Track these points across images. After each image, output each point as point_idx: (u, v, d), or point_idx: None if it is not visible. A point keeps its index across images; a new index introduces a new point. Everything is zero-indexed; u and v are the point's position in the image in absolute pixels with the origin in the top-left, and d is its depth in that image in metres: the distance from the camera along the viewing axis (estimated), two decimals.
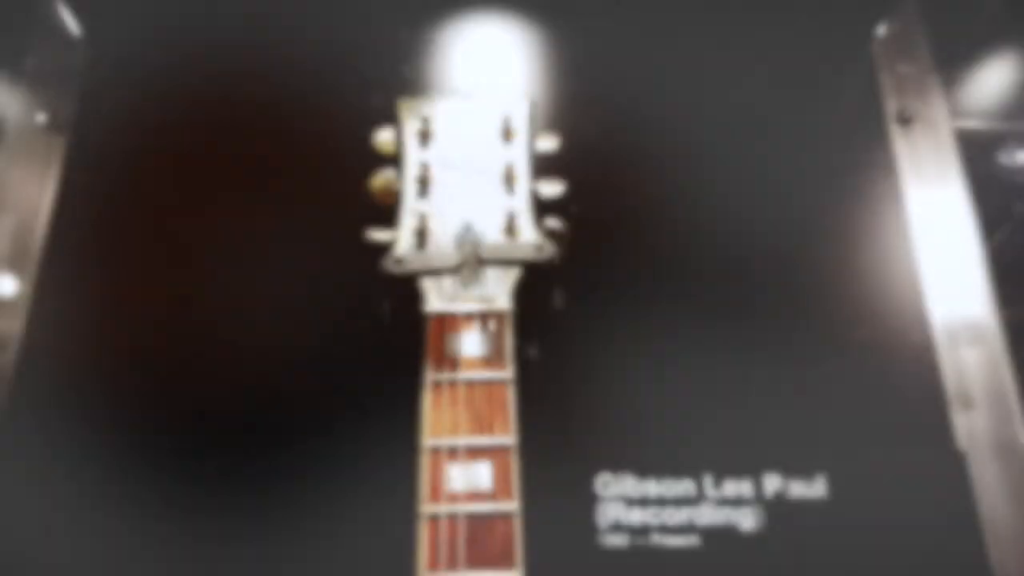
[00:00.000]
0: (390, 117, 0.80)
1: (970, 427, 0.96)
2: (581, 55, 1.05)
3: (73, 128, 1.05)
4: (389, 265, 0.70)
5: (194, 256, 0.95)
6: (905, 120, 1.14)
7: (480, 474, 0.61)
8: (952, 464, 0.84)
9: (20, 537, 0.81)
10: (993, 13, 1.19)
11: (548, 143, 0.80)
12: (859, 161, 1.01)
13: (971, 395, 0.99)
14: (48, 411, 0.88)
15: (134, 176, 1.01)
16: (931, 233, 1.02)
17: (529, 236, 0.71)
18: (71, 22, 1.15)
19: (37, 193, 1.07)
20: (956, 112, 1.14)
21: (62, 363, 0.92)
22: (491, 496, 0.60)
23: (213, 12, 1.08)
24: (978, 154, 1.12)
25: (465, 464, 0.61)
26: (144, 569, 0.80)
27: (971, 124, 1.16)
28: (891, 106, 1.09)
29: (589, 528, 0.80)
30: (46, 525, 0.82)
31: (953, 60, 1.16)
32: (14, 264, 1.04)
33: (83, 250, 0.98)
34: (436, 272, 0.69)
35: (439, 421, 0.63)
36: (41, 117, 1.13)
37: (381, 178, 0.78)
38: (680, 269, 0.92)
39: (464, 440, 0.62)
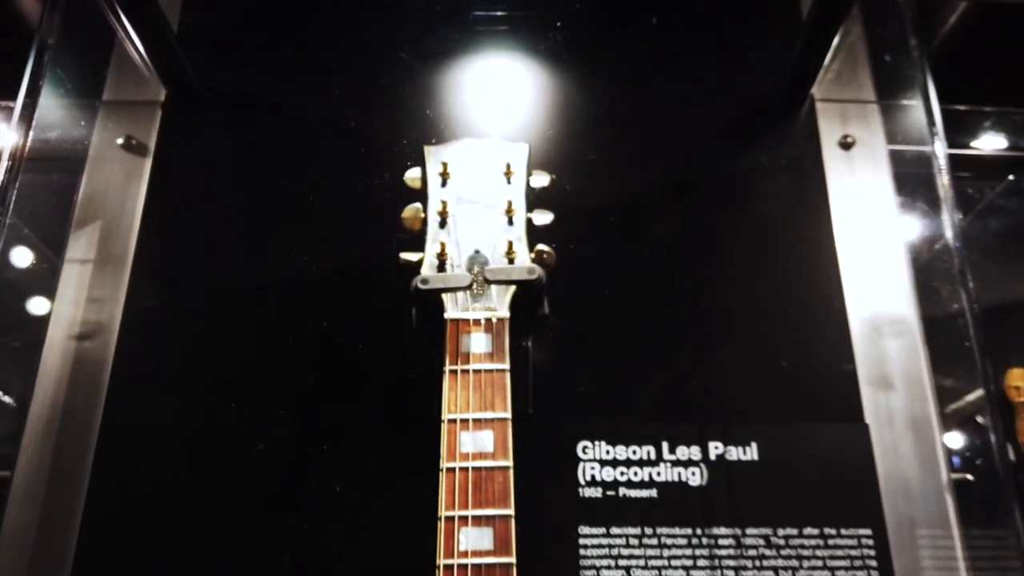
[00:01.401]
0: (417, 160, 1.01)
1: (888, 405, 1.18)
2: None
3: (156, 149, 1.27)
4: (417, 283, 0.92)
5: (264, 262, 1.18)
6: (847, 145, 1.34)
7: (484, 439, 0.83)
8: (859, 434, 1.06)
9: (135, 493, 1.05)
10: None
11: (541, 180, 1.01)
12: (796, 182, 1.22)
13: (891, 379, 1.21)
14: (143, 387, 1.12)
15: (209, 190, 1.24)
16: (860, 246, 1.23)
17: (524, 261, 0.93)
18: (145, 58, 1.36)
19: (122, 202, 1.30)
20: (891, 137, 1.34)
21: (153, 346, 1.15)
22: (492, 455, 0.83)
23: (280, 61, 1.30)
24: (909, 174, 1.32)
25: (473, 432, 0.83)
26: (239, 500, 1.03)
27: (902, 147, 1.36)
28: (828, 133, 1.29)
29: (573, 482, 1.02)
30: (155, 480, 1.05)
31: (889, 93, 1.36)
32: (105, 262, 1.27)
33: (169, 250, 1.21)
34: (453, 289, 0.91)
35: (454, 400, 0.85)
36: (120, 140, 1.36)
37: (410, 209, 1.00)
38: (642, 285, 1.15)
39: (473, 415, 0.84)
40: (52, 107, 1.31)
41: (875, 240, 1.24)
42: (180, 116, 1.29)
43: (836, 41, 1.27)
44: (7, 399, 1.30)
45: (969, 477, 1.68)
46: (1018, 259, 1.56)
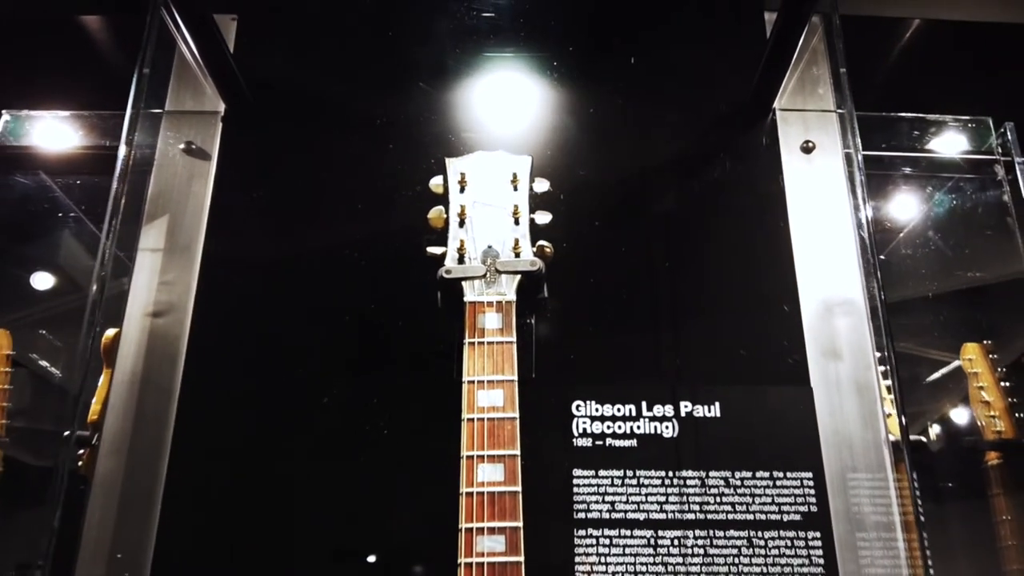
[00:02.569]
0: (439, 170, 1.23)
1: (836, 373, 1.40)
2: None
3: (220, 153, 1.49)
4: (442, 273, 1.14)
5: (316, 253, 1.40)
6: (808, 149, 1.55)
7: (496, 396, 1.06)
8: (804, 396, 1.29)
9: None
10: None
11: (542, 186, 1.23)
12: (758, 183, 1.44)
13: (840, 351, 1.42)
14: (217, 356, 1.35)
15: (266, 189, 1.47)
16: (813, 237, 1.44)
17: (527, 254, 1.15)
18: (208, 75, 1.57)
19: (185, 199, 1.52)
20: (849, 143, 1.55)
21: (224, 321, 1.38)
22: (502, 409, 1.05)
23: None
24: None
25: (488, 390, 1.06)
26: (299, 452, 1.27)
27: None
28: (787, 139, 1.50)
29: (568, 434, 1.25)
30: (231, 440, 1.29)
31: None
32: (173, 251, 1.49)
33: (233, 239, 1.43)
34: (470, 278, 1.14)
35: (472, 366, 1.08)
36: (181, 145, 1.57)
37: (434, 211, 1.22)
38: (625, 273, 1.37)
39: (487, 377, 1.07)
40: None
41: (827, 232, 1.45)
42: (237, 125, 1.51)
43: (795, 58, 1.48)
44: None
45: (923, 439, 1.92)
46: (972, 248, 1.76)
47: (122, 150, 1.36)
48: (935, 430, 2.09)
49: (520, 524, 0.99)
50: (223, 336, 1.37)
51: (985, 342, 1.92)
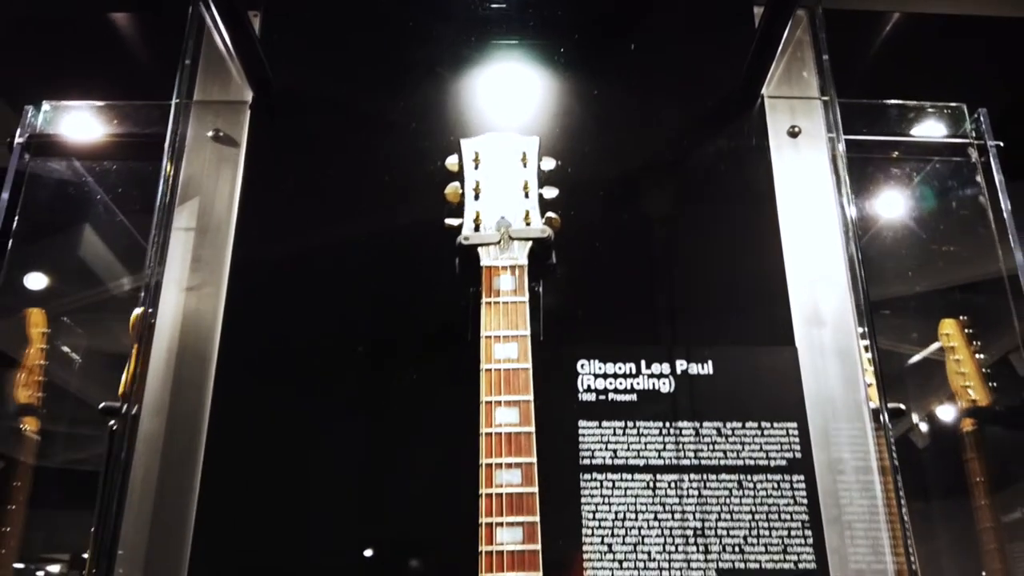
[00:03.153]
0: (455, 149, 1.35)
1: (820, 339, 1.51)
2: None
3: (248, 139, 1.61)
4: (460, 240, 1.26)
5: (344, 225, 1.52)
6: (794, 134, 1.67)
7: (511, 349, 1.18)
8: (789, 355, 1.40)
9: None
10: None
11: (549, 164, 1.35)
12: (748, 164, 1.56)
13: (823, 318, 1.54)
14: (252, 324, 1.46)
15: (294, 171, 1.58)
16: (798, 215, 1.56)
17: (537, 224, 1.27)
18: (238, 65, 1.68)
19: (215, 183, 1.63)
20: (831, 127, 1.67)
21: (257, 293, 1.49)
22: (516, 360, 1.17)
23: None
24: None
25: (503, 344, 1.18)
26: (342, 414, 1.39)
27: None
28: (777, 124, 1.62)
29: (573, 389, 1.37)
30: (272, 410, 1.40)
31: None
32: (205, 230, 1.60)
33: (264, 219, 1.55)
34: (486, 244, 1.25)
35: (489, 323, 1.20)
36: (210, 133, 1.69)
37: (451, 187, 1.34)
38: (626, 243, 1.49)
39: (503, 332, 1.19)
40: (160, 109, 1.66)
41: (811, 210, 1.56)
42: (265, 113, 1.63)
43: (780, 48, 1.60)
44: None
45: (902, 407, 2.04)
46: (948, 226, 1.88)
47: (169, 137, 1.48)
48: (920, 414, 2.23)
49: (534, 460, 1.11)
50: (256, 306, 1.48)
51: (961, 317, 2.05)
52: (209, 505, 1.35)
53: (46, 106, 1.74)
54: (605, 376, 1.38)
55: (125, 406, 1.83)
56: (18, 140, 1.70)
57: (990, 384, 1.96)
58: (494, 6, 1.68)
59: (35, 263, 1.98)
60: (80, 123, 1.77)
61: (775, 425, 1.36)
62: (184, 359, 1.51)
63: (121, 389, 1.87)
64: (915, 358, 2.22)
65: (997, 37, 1.90)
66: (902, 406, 1.97)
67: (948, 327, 2.06)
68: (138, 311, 1.96)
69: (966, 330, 2.03)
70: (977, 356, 1.99)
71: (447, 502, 1.28)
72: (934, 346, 2.17)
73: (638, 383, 1.38)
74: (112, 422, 1.87)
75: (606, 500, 1.30)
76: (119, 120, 1.76)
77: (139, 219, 1.99)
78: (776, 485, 1.32)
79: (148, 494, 1.40)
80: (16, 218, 1.71)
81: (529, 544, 1.08)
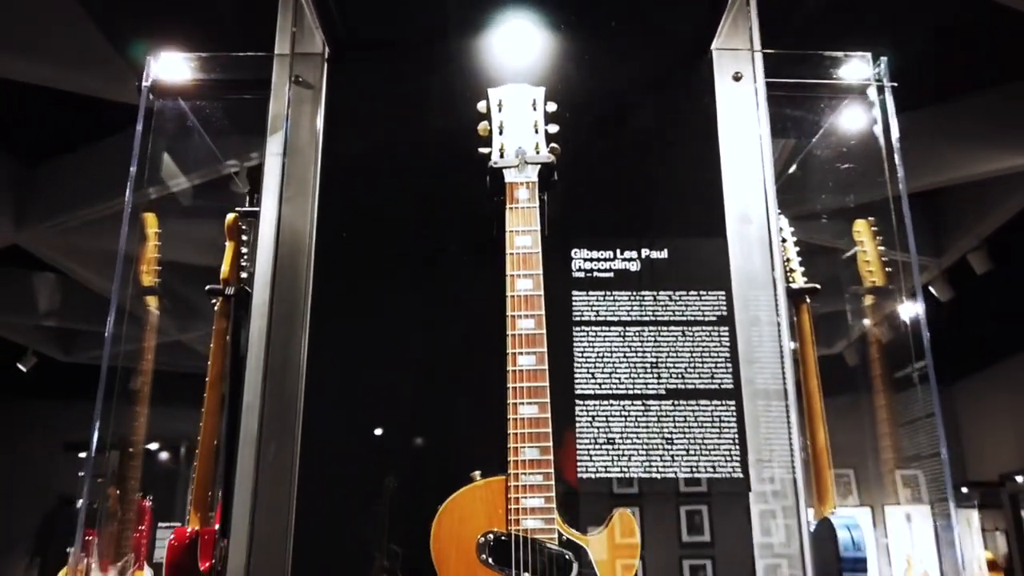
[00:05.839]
0: (484, 95, 1.88)
1: (747, 232, 2.07)
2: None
3: (327, 85, 2.13)
4: (491, 164, 1.81)
5: (399, 157, 2.06)
6: (737, 78, 2.19)
7: (527, 239, 1.74)
8: (723, 245, 1.97)
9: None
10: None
11: (551, 107, 1.89)
12: (696, 107, 2.10)
13: (750, 217, 2.10)
14: (342, 253, 2.02)
15: (365, 110, 2.11)
16: (736, 136, 2.10)
17: (544, 152, 1.82)
18: (317, 21, 2.18)
19: (298, 117, 2.15)
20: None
21: (342, 240, 2.04)
22: (530, 248, 1.73)
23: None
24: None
25: (521, 236, 1.74)
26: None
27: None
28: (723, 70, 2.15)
29: (568, 268, 1.95)
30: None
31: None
32: (295, 153, 2.13)
33: (345, 151, 2.08)
34: (508, 167, 1.80)
35: (512, 221, 1.76)
36: (293, 78, 2.20)
37: (482, 125, 1.88)
38: (606, 167, 2.04)
39: (520, 228, 1.75)
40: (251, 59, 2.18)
41: (745, 135, 2.10)
42: (338, 62, 2.15)
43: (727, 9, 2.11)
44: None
45: (817, 286, 2.62)
46: (852, 153, 2.42)
47: (286, 86, 2.00)
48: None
49: (543, 313, 1.69)
50: (338, 210, 2.03)
51: (870, 218, 2.62)
52: (315, 362, 1.92)
53: (162, 56, 2.25)
54: (591, 260, 1.96)
55: (224, 287, 2.43)
56: (145, 84, 2.22)
57: (886, 269, 2.55)
58: None
59: (150, 181, 2.51)
60: (185, 70, 2.28)
61: (710, 293, 1.94)
62: (283, 249, 2.07)
63: (222, 276, 2.48)
64: (847, 254, 2.81)
65: None
66: (817, 286, 2.58)
67: (860, 225, 2.64)
68: (231, 215, 2.55)
69: (873, 228, 2.61)
70: (879, 248, 2.57)
71: (483, 338, 1.85)
72: (855, 249, 2.76)
73: (614, 264, 1.95)
74: (215, 299, 2.48)
75: (591, 344, 1.89)
76: (217, 67, 2.27)
77: (226, 145, 2.54)
78: (709, 334, 1.91)
79: (259, 355, 1.97)
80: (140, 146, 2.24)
81: (539, 365, 1.67)
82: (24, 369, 9.09)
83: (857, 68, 2.28)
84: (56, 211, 5.91)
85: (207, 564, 2.31)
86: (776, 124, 2.18)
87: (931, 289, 7.00)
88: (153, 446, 3.37)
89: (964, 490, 9.42)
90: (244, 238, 2.57)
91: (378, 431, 1.92)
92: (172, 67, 2.25)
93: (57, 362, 9.56)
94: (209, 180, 2.62)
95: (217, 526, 2.41)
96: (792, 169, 2.63)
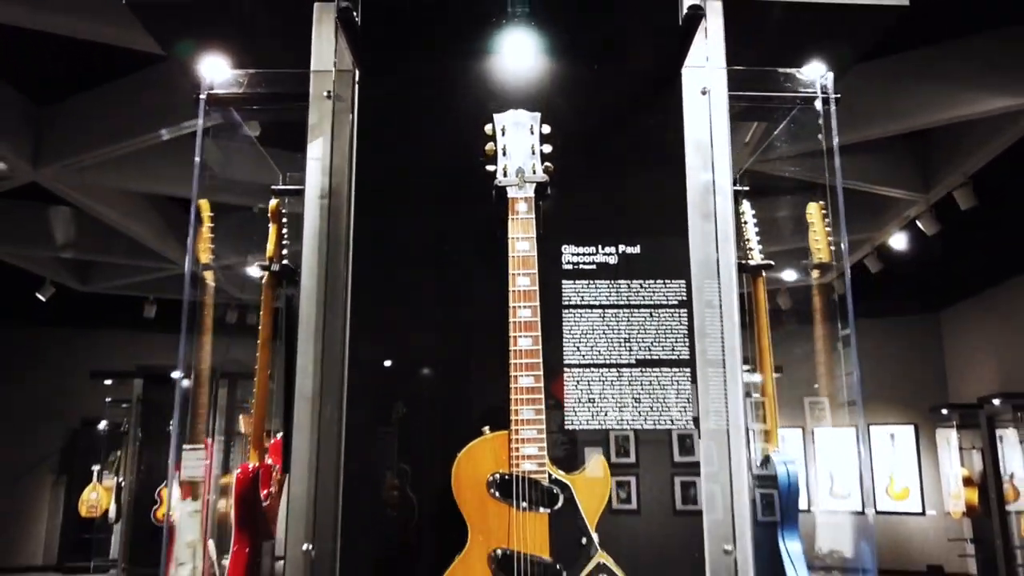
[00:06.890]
0: (490, 119, 2.31)
1: (708, 229, 2.52)
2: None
3: (359, 98, 2.54)
4: (495, 183, 2.24)
5: (423, 169, 2.49)
6: (704, 92, 2.60)
7: (525, 244, 2.19)
8: (685, 242, 2.42)
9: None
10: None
11: (546, 130, 2.31)
12: (668, 119, 2.51)
13: (709, 215, 2.54)
14: (377, 242, 2.46)
15: (393, 121, 2.53)
16: (701, 141, 2.52)
17: (539, 171, 2.25)
18: (345, 44, 2.58)
19: (331, 135, 2.57)
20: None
21: (379, 221, 2.48)
22: (528, 250, 2.19)
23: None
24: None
25: (521, 241, 2.19)
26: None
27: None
28: (691, 85, 2.55)
29: (559, 262, 2.40)
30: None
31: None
32: (326, 171, 2.56)
33: (378, 145, 2.51)
34: (510, 185, 2.24)
35: (514, 229, 2.20)
36: (326, 93, 2.61)
37: (489, 146, 2.31)
38: (590, 180, 2.47)
39: (520, 235, 2.19)
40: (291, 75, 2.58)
41: (709, 141, 2.53)
42: (367, 80, 2.55)
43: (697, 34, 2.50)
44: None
45: (771, 262, 3.09)
46: (801, 151, 2.84)
47: (329, 101, 2.42)
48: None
49: (537, 304, 2.15)
50: (380, 203, 2.47)
51: (820, 203, 3.06)
52: (356, 338, 2.39)
53: (217, 72, 2.65)
54: (577, 255, 2.41)
55: (270, 263, 2.89)
56: (202, 96, 2.63)
57: (831, 247, 3.00)
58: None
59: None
60: (236, 84, 2.68)
61: (673, 281, 2.40)
62: (335, 221, 2.51)
63: (267, 254, 2.94)
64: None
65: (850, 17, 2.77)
66: (771, 262, 3.05)
67: (812, 208, 3.09)
68: (274, 200, 3.00)
69: (823, 211, 3.05)
70: (827, 228, 3.02)
71: (490, 323, 2.31)
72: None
73: (596, 258, 2.41)
74: (262, 275, 2.95)
75: (578, 324, 2.36)
76: (261, 83, 2.67)
77: (271, 151, 2.96)
78: (671, 315, 2.38)
79: (310, 332, 2.44)
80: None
81: (534, 346, 2.14)
82: (43, 298, 9.57)
83: (801, 82, 2.69)
84: (73, 150, 6.32)
85: (265, 491, 2.85)
86: (737, 132, 2.61)
87: (918, 223, 7.45)
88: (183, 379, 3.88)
89: (944, 411, 10.05)
90: (284, 220, 3.02)
91: (406, 396, 2.41)
92: (224, 79, 2.66)
93: (74, 292, 10.08)
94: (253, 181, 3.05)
95: (271, 463, 2.94)
96: (752, 160, 3.07)
